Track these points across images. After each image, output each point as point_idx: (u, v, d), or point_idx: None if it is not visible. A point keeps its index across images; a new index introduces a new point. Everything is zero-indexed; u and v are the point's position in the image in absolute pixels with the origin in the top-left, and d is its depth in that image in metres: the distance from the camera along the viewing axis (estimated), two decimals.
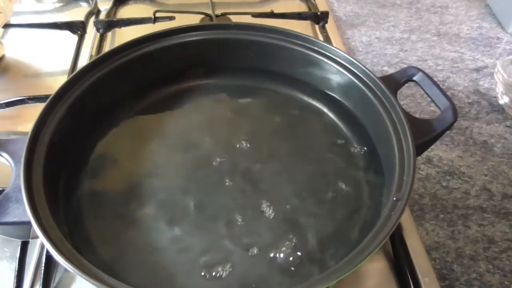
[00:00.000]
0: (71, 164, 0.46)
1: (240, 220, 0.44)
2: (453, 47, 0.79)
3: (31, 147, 0.41)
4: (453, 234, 0.52)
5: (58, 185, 0.44)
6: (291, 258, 0.41)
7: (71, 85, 0.47)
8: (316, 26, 0.80)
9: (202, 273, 0.40)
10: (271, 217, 0.44)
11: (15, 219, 0.38)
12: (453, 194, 0.56)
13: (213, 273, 0.40)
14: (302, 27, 0.79)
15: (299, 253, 0.42)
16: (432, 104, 0.68)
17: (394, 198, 0.39)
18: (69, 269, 0.33)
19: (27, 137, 0.41)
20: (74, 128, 0.47)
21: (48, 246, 0.34)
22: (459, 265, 0.50)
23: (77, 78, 0.48)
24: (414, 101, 0.68)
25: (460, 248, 0.51)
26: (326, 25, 0.79)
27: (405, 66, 0.74)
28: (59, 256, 0.34)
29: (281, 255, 0.42)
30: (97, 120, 0.50)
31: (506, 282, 0.48)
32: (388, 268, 0.48)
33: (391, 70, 0.74)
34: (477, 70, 0.74)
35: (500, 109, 0.67)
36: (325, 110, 0.54)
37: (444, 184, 0.57)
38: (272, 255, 0.42)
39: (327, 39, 0.76)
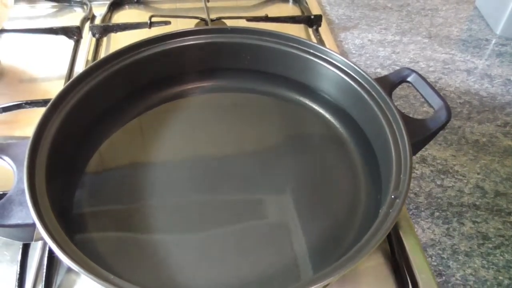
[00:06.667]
0: (73, 166, 0.47)
1: (237, 219, 0.45)
2: (444, 49, 0.81)
3: (33, 150, 0.41)
4: (448, 231, 0.53)
5: (60, 187, 0.44)
6: (289, 257, 0.42)
7: (72, 88, 0.47)
8: (310, 30, 0.81)
9: (207, 274, 0.41)
10: (269, 216, 0.45)
11: (19, 221, 0.38)
12: (448, 192, 0.57)
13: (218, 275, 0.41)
14: (296, 31, 0.80)
15: (296, 251, 0.42)
16: (425, 105, 0.69)
17: (392, 196, 0.40)
18: (76, 270, 0.33)
19: (29, 141, 0.42)
20: (76, 131, 0.47)
21: (54, 248, 0.35)
22: (455, 261, 0.51)
23: (77, 82, 0.48)
24: (408, 102, 0.70)
25: (455, 244, 0.52)
26: (320, 28, 0.80)
27: (397, 68, 0.76)
28: (66, 257, 0.34)
29: (279, 254, 0.42)
30: (98, 123, 0.51)
31: (500, 277, 0.49)
32: (385, 266, 0.48)
33: (384, 72, 0.75)
34: (468, 71, 0.75)
35: (490, 109, 0.68)
36: (322, 111, 0.55)
37: (438, 182, 0.58)
38: (270, 255, 0.42)
39: (321, 42, 0.77)
